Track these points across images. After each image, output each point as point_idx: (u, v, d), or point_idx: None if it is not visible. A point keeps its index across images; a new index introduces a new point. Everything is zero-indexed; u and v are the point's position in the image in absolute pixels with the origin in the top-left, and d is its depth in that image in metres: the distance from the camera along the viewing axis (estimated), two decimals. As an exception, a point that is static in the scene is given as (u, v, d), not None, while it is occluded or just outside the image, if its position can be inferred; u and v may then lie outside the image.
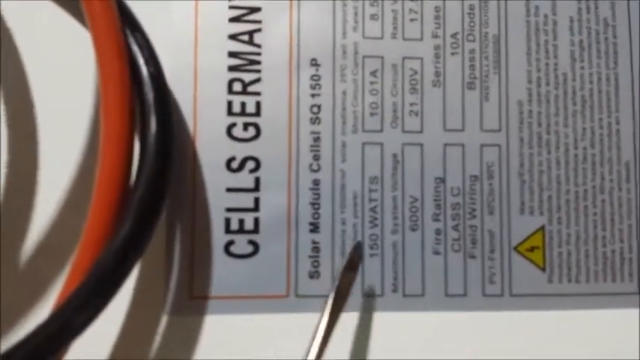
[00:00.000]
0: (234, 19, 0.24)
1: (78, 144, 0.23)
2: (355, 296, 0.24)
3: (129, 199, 0.21)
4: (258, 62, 0.24)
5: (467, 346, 0.24)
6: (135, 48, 0.22)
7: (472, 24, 0.26)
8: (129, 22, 0.22)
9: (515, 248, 0.25)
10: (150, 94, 0.22)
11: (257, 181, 0.24)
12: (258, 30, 0.25)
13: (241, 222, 0.24)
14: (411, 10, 0.25)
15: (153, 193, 0.21)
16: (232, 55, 0.24)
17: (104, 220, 0.21)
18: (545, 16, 0.26)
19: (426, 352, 0.24)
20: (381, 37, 0.25)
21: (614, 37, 0.26)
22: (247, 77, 0.24)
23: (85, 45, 0.22)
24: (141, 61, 0.22)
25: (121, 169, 0.21)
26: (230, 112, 0.24)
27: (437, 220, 0.25)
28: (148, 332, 0.23)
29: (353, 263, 0.23)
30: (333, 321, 0.22)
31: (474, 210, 0.25)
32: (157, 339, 0.23)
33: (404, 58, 0.25)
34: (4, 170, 0.23)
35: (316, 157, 0.24)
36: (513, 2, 0.26)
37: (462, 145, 0.25)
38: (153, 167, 0.21)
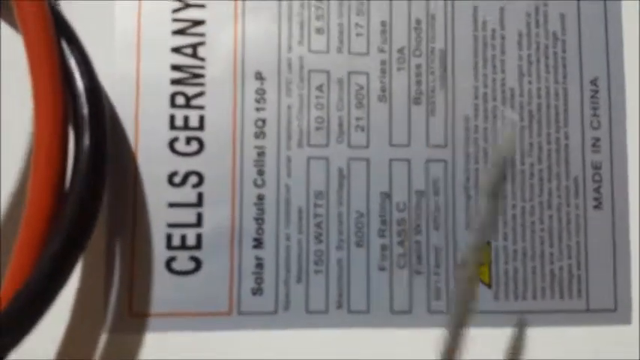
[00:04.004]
0: (177, 32, 0.24)
1: (12, 158, 0.23)
2: (298, 313, 0.24)
3: (60, 215, 0.20)
4: (202, 76, 0.24)
5: (411, 363, 0.24)
6: (71, 61, 0.22)
7: (419, 39, 0.25)
8: (66, 35, 0.22)
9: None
10: (84, 108, 0.21)
11: (200, 196, 0.24)
12: (202, 43, 0.24)
13: (183, 238, 0.23)
14: (357, 24, 0.25)
15: (83, 210, 0.21)
16: (175, 68, 0.24)
17: (35, 238, 0.20)
18: (493, 30, 0.26)
19: (370, 369, 0.24)
20: (327, 52, 0.25)
21: (564, 51, 0.26)
22: (191, 91, 0.24)
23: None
24: (76, 74, 0.22)
25: (52, 184, 0.21)
26: (173, 126, 0.24)
27: (382, 235, 0.24)
28: (87, 350, 0.23)
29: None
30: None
31: (419, 225, 0.25)
32: (97, 357, 0.23)
33: (350, 73, 0.25)
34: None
35: (261, 172, 0.24)
36: (460, 16, 0.26)
37: (408, 161, 0.25)
38: (84, 182, 0.21)
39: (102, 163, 0.21)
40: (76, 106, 0.22)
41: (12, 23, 0.23)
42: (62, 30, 0.22)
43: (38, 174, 0.21)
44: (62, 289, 0.20)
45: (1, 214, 0.23)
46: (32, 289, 0.20)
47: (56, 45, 0.21)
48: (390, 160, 0.25)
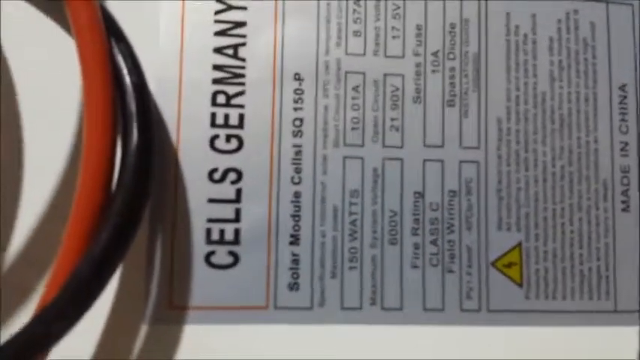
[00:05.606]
0: (219, 33, 0.25)
1: (60, 153, 0.24)
2: (333, 309, 0.24)
3: (108, 208, 0.21)
4: (243, 75, 0.25)
5: None
6: (119, 58, 0.22)
7: (453, 42, 0.26)
8: (114, 33, 0.23)
9: (493, 264, 0.25)
10: (132, 104, 0.22)
11: (238, 192, 0.24)
12: (243, 44, 0.25)
13: (222, 232, 0.24)
14: (393, 27, 0.26)
15: (132, 204, 0.21)
16: (217, 68, 0.25)
17: (84, 229, 0.21)
18: (525, 35, 0.26)
19: (403, 364, 0.24)
20: (364, 54, 0.25)
21: (594, 57, 0.27)
22: (231, 90, 0.25)
23: (71, 52, 0.22)
24: (124, 70, 0.22)
25: (102, 179, 0.21)
26: (213, 124, 0.24)
27: (416, 234, 0.25)
28: (128, 341, 0.23)
29: None
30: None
31: (452, 225, 0.25)
32: (137, 348, 0.23)
33: (385, 75, 0.25)
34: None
35: (298, 170, 0.25)
36: (493, 21, 0.26)
37: (442, 161, 0.25)
38: (133, 177, 0.21)
39: (149, 158, 0.22)
40: (123, 101, 0.22)
41: (63, 24, 0.24)
42: (110, 28, 0.23)
43: (88, 168, 0.21)
44: (109, 280, 0.21)
45: (41, 207, 0.23)
46: (81, 279, 0.20)
47: (107, 44, 0.22)
48: (424, 161, 0.25)
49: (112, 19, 0.23)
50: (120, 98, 0.22)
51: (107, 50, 0.22)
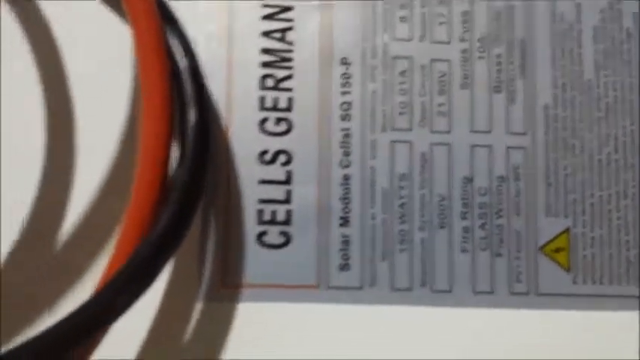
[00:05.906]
0: (266, 17, 0.25)
1: (117, 133, 0.24)
2: (383, 289, 0.24)
3: (168, 189, 0.21)
4: (290, 59, 0.25)
5: (494, 342, 0.24)
6: (173, 41, 0.23)
7: (499, 29, 0.26)
8: (166, 16, 0.23)
9: (541, 249, 0.25)
10: (188, 87, 0.22)
11: (289, 174, 0.24)
12: (290, 28, 0.25)
13: (273, 213, 0.24)
14: (439, 13, 0.26)
15: (192, 184, 0.22)
16: (265, 51, 0.25)
17: (144, 209, 0.21)
18: (570, 24, 0.26)
19: (454, 347, 0.24)
20: (410, 39, 0.26)
21: (638, 46, 0.27)
22: (279, 73, 0.25)
23: (122, 38, 0.23)
24: (179, 54, 0.22)
25: (161, 161, 0.21)
26: (262, 107, 0.25)
27: (464, 218, 0.25)
28: (182, 318, 0.23)
29: None
30: None
31: (500, 210, 0.25)
32: (191, 325, 0.23)
33: (432, 60, 0.26)
34: (43, 156, 0.23)
35: (346, 154, 0.25)
36: (539, 9, 0.26)
37: (489, 147, 0.25)
38: (192, 158, 0.22)
39: (207, 138, 0.22)
40: (179, 85, 0.22)
41: (118, 11, 0.24)
42: (163, 11, 0.23)
43: (147, 153, 0.21)
44: (169, 260, 0.21)
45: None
46: (144, 257, 0.20)
47: (163, 31, 0.22)
48: (472, 146, 0.25)
49: (164, 3, 0.24)
50: (175, 81, 0.22)
51: (163, 38, 0.22)
